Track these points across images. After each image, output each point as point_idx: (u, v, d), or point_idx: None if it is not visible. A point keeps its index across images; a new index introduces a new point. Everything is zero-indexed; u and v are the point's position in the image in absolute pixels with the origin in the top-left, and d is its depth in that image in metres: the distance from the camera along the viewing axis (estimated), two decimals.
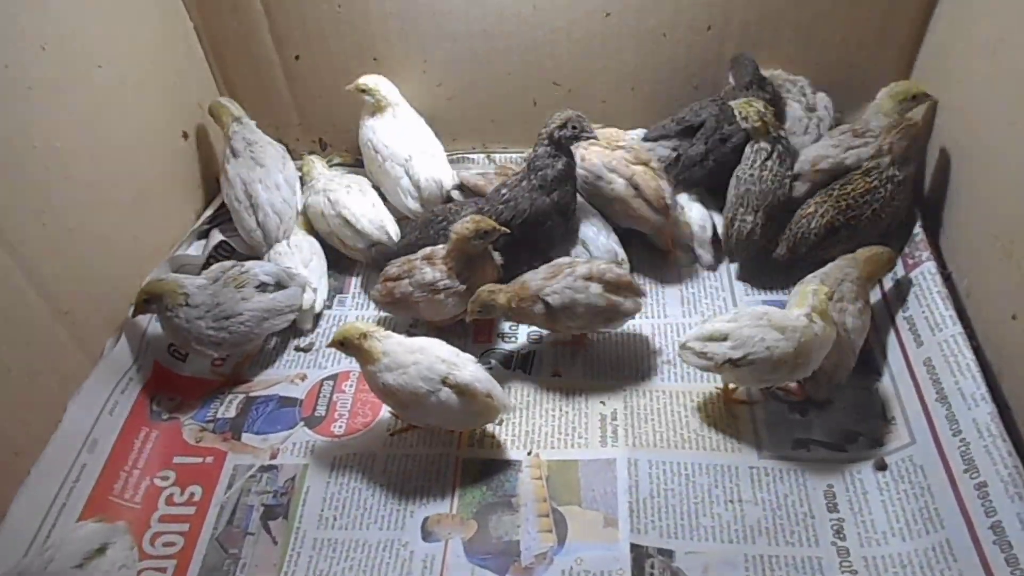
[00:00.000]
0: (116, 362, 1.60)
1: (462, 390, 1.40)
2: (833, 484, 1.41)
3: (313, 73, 2.03)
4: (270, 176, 1.85)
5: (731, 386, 1.54)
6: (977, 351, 1.43)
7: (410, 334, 1.53)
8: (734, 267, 1.84)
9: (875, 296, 1.66)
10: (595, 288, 1.54)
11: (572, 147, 1.72)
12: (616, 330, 1.68)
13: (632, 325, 1.72)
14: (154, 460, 1.54)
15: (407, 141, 1.93)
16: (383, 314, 1.80)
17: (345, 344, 1.42)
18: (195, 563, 1.38)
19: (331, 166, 2.06)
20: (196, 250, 1.86)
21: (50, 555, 1.24)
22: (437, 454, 1.51)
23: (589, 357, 1.68)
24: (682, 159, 1.86)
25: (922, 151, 1.76)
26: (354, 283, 1.92)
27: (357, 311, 1.85)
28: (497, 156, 2.10)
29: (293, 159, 2.00)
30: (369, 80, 1.92)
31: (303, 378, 1.68)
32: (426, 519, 1.41)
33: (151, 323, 1.69)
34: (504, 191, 1.73)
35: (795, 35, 1.87)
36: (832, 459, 1.44)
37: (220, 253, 1.85)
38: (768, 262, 1.76)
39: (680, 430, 1.51)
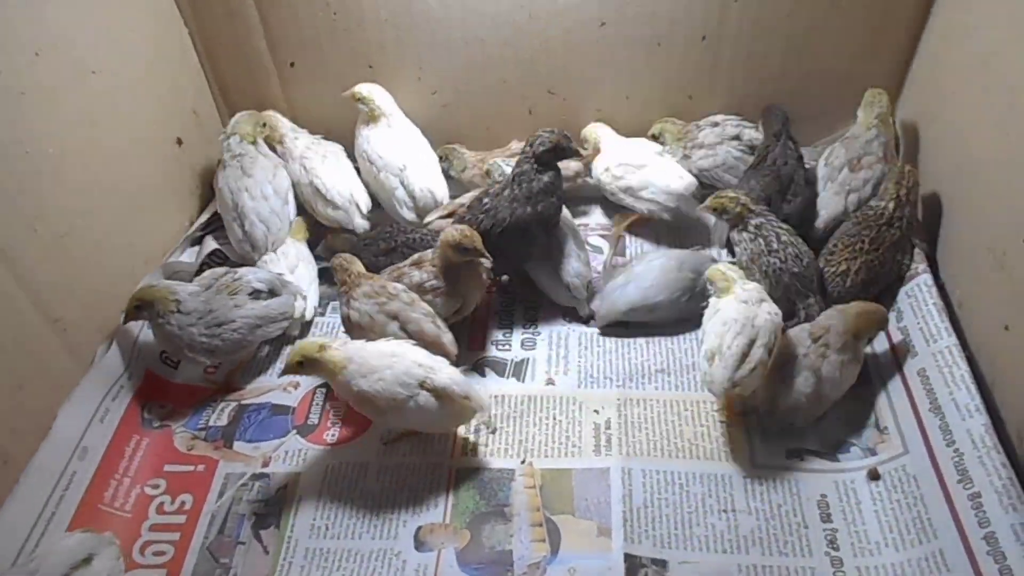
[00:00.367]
0: (107, 369, 1.59)
1: (440, 394, 1.40)
2: (826, 494, 1.40)
3: (308, 80, 2.03)
4: (257, 186, 1.84)
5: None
6: (971, 362, 1.43)
7: None
8: None
9: None
10: (393, 327, 1.55)
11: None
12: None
13: (626, 334, 1.73)
14: (145, 468, 1.53)
15: (402, 151, 1.93)
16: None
17: (305, 363, 1.38)
18: (185, 572, 1.37)
19: None
20: (189, 257, 1.85)
21: (35, 565, 1.23)
22: (430, 463, 1.50)
23: (583, 365, 1.67)
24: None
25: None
26: None
27: None
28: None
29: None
30: (363, 89, 1.93)
31: (296, 386, 1.68)
32: (419, 528, 1.41)
33: (143, 330, 1.68)
34: (485, 200, 1.71)
35: (788, 46, 1.88)
36: (825, 469, 1.44)
37: (213, 260, 1.84)
38: None
39: (674, 439, 1.51)
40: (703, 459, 1.47)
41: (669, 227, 1.95)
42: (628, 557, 1.33)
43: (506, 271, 1.79)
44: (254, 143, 1.89)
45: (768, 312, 1.45)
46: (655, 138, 1.98)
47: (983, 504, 1.24)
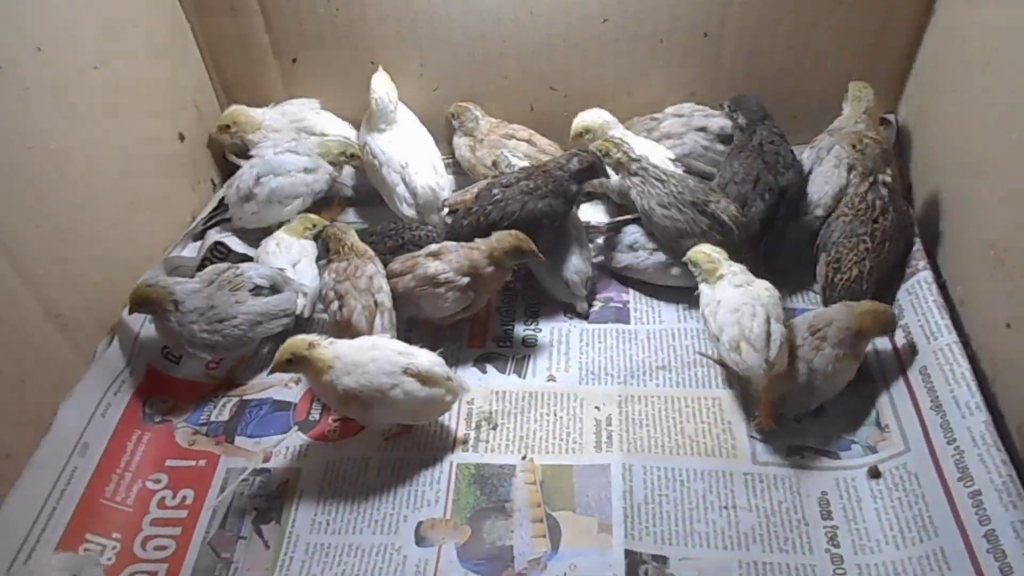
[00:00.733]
0: (109, 364, 1.59)
1: (424, 377, 1.41)
2: (827, 491, 1.40)
3: (310, 75, 2.03)
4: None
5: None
6: (971, 359, 1.43)
7: (407, 339, 1.53)
8: None
9: None
10: (334, 306, 1.59)
11: None
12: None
13: (628, 330, 1.73)
14: (146, 463, 1.53)
15: (405, 148, 1.93)
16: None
17: (294, 360, 1.38)
18: (187, 567, 1.38)
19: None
20: (191, 252, 1.86)
21: None
22: (431, 458, 1.51)
23: (584, 362, 1.67)
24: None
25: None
26: None
27: None
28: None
29: None
30: (372, 82, 1.92)
31: (297, 382, 1.68)
32: (420, 524, 1.41)
33: (144, 325, 1.68)
34: (495, 191, 1.72)
35: (790, 43, 1.87)
36: (826, 466, 1.44)
37: (216, 255, 1.84)
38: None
39: (675, 436, 1.51)
40: (704, 456, 1.47)
41: None
42: (629, 553, 1.33)
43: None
44: None
45: (766, 289, 1.49)
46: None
47: (983, 502, 1.24)
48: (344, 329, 1.56)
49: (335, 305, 1.59)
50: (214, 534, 1.42)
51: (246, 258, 1.83)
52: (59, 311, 1.48)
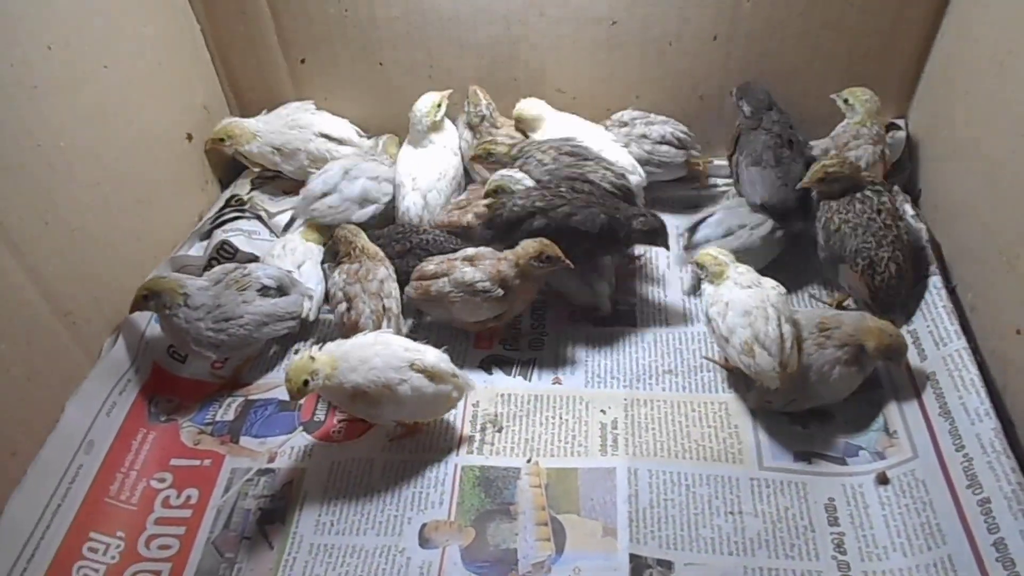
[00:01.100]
0: (114, 363, 1.59)
1: (431, 373, 1.42)
2: (834, 497, 1.39)
3: (319, 76, 2.03)
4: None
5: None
6: (981, 366, 1.42)
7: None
8: None
9: None
10: (342, 307, 1.59)
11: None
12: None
13: (634, 334, 1.72)
14: (151, 462, 1.53)
15: (416, 165, 1.91)
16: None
17: (309, 380, 1.34)
18: (190, 566, 1.37)
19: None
20: (198, 251, 1.86)
21: None
22: (436, 460, 1.50)
23: (590, 365, 1.67)
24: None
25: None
26: None
27: None
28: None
29: None
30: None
31: None
32: (424, 526, 1.40)
33: (150, 324, 1.68)
34: (563, 188, 1.66)
35: (800, 45, 1.86)
36: (833, 472, 1.43)
37: (222, 255, 1.84)
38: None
39: (681, 440, 1.50)
40: (710, 460, 1.46)
41: None
42: (633, 557, 1.32)
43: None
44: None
45: (774, 288, 1.48)
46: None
47: (992, 510, 1.23)
48: (351, 331, 1.55)
49: (343, 307, 1.59)
50: (218, 534, 1.42)
51: (253, 258, 1.83)
52: (67, 309, 1.48)
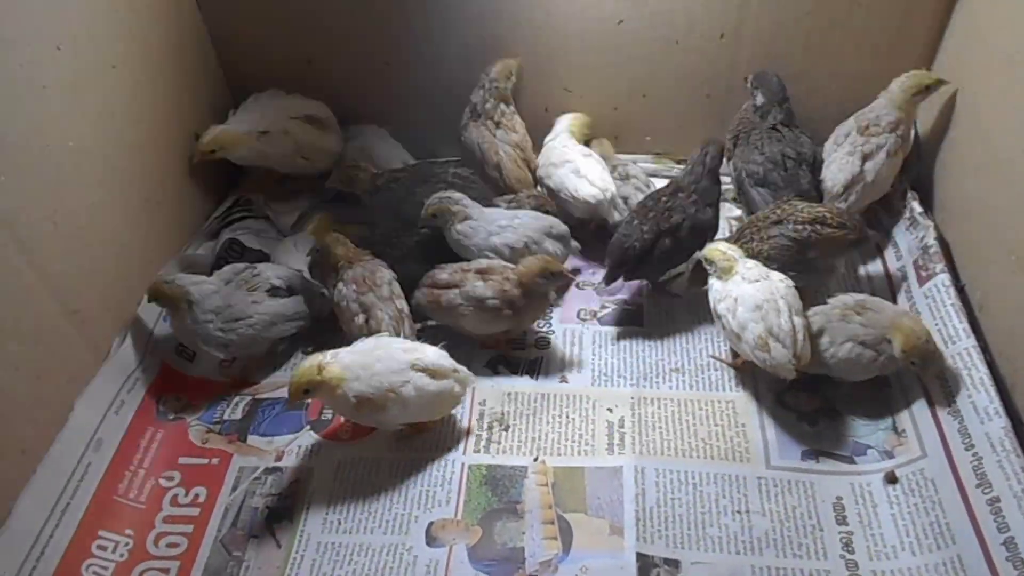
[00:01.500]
0: (123, 361, 1.60)
1: (433, 371, 1.42)
2: (842, 496, 1.39)
3: (325, 78, 2.03)
4: None
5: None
6: (990, 365, 1.41)
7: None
8: None
9: None
10: (360, 319, 1.56)
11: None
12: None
13: (641, 333, 1.72)
14: (159, 460, 1.54)
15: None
16: None
17: (310, 388, 1.35)
18: (198, 565, 1.38)
19: None
20: (205, 250, 1.86)
21: None
22: (442, 459, 1.50)
23: (597, 364, 1.66)
24: None
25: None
26: None
27: None
28: None
29: None
30: None
31: None
32: (430, 524, 1.41)
33: (158, 323, 1.69)
34: (664, 199, 1.67)
35: (808, 44, 1.86)
36: (842, 471, 1.43)
37: (231, 253, 1.85)
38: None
39: (688, 439, 1.50)
40: (717, 459, 1.46)
41: None
42: (640, 556, 1.32)
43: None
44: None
45: (782, 281, 1.47)
46: None
47: (1002, 509, 1.23)
48: None
49: (360, 319, 1.56)
50: (226, 532, 1.42)
51: (261, 255, 1.83)
52: (75, 308, 1.48)
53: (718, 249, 1.55)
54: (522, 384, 1.64)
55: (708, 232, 1.69)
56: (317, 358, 1.38)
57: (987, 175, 1.56)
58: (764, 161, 1.74)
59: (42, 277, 1.41)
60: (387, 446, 1.53)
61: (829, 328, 1.47)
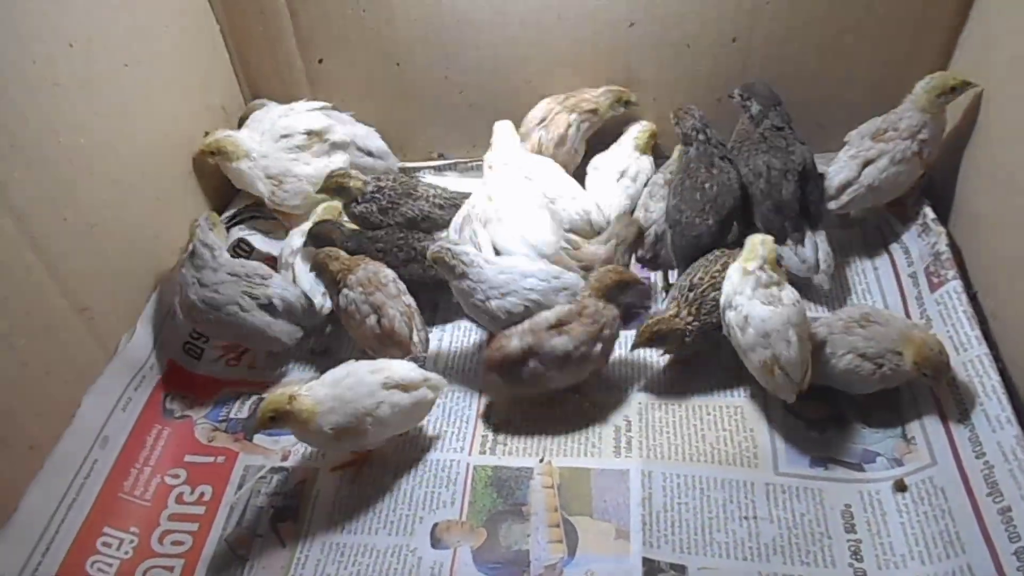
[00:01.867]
0: (130, 358, 1.60)
1: (405, 386, 1.41)
2: (851, 504, 1.38)
3: (336, 77, 2.04)
4: None
5: None
6: (1003, 373, 1.40)
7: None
8: None
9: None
10: (372, 319, 1.56)
11: None
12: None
13: None
14: (165, 458, 1.54)
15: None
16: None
17: (277, 417, 1.31)
18: (203, 562, 1.38)
19: None
20: None
21: None
22: (448, 460, 1.50)
23: (604, 369, 1.65)
24: None
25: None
26: None
27: None
28: None
29: None
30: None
31: None
32: (435, 525, 1.40)
33: (166, 320, 1.69)
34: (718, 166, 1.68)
35: (820, 50, 1.85)
36: (850, 478, 1.41)
37: (239, 252, 1.85)
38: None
39: (696, 443, 1.49)
40: (725, 464, 1.45)
41: None
42: (647, 561, 1.31)
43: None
44: None
45: (794, 304, 1.42)
46: None
47: (1013, 518, 1.21)
48: (386, 339, 1.55)
49: (372, 319, 1.55)
50: (231, 531, 1.43)
51: (270, 256, 1.83)
52: (84, 304, 1.49)
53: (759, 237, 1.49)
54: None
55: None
56: (291, 388, 1.35)
57: (1002, 182, 1.54)
58: (747, 173, 1.72)
59: (52, 274, 1.42)
60: (392, 447, 1.53)
61: (831, 340, 1.45)
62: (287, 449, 1.55)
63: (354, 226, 1.84)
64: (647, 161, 1.96)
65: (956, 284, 1.56)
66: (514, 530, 1.38)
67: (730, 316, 1.47)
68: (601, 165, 1.95)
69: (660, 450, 1.48)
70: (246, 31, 1.97)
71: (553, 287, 1.58)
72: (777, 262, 1.48)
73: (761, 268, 1.43)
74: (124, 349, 1.59)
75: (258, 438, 1.56)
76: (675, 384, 1.60)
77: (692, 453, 1.47)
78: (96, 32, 1.54)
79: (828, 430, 1.48)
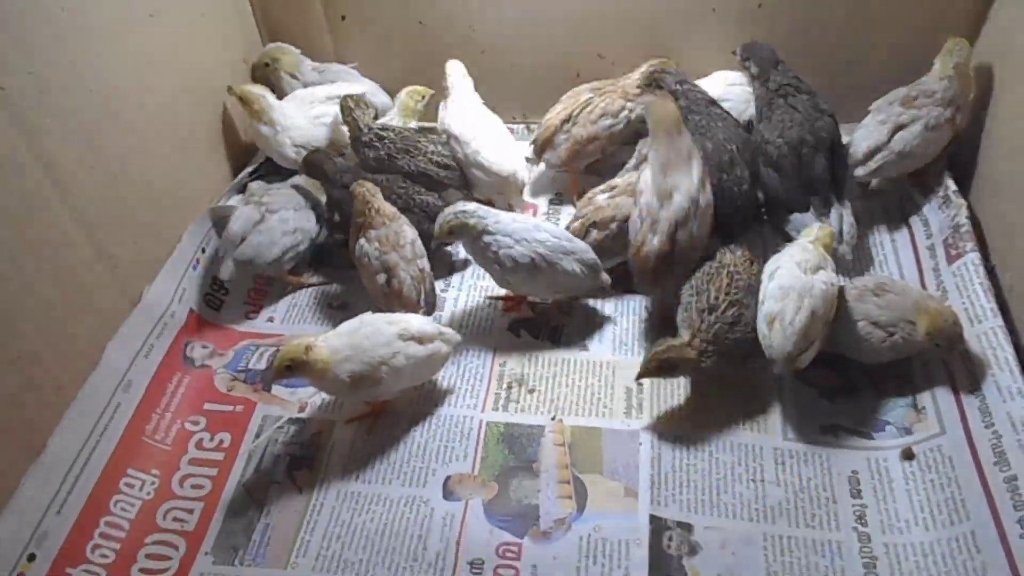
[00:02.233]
0: (153, 307, 1.63)
1: (421, 338, 1.43)
2: (858, 471, 1.39)
3: (359, 34, 2.03)
4: None
5: None
6: (1017, 346, 1.40)
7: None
8: None
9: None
10: (381, 278, 1.58)
11: None
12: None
13: None
14: (186, 405, 1.58)
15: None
16: None
17: (293, 366, 1.34)
18: (222, 506, 1.42)
19: None
20: (236, 203, 1.88)
21: None
22: (462, 415, 1.53)
23: (618, 332, 1.67)
24: None
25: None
26: None
27: None
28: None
29: None
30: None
31: None
32: (448, 478, 1.43)
33: (188, 270, 1.72)
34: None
35: (849, 15, 1.82)
36: (858, 446, 1.43)
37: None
38: None
39: (706, 407, 1.50)
40: (734, 428, 1.47)
41: None
42: (654, 519, 1.34)
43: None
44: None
45: (824, 282, 1.41)
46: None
47: (1019, 487, 1.22)
48: (394, 300, 1.57)
49: (382, 278, 1.58)
50: (249, 477, 1.46)
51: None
52: (109, 252, 1.52)
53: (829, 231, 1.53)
54: (542, 347, 1.65)
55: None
56: (307, 339, 1.38)
57: (1022, 158, 1.53)
58: (782, 145, 1.68)
59: (79, 221, 1.44)
60: (408, 401, 1.55)
61: (846, 310, 1.45)
62: (304, 401, 1.58)
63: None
64: None
65: (974, 256, 1.55)
66: (525, 485, 1.41)
67: (768, 269, 1.48)
68: None
69: (671, 413, 1.50)
70: None
71: (563, 247, 1.57)
72: (833, 255, 1.51)
73: (812, 244, 1.47)
74: (147, 297, 1.62)
75: (276, 389, 1.60)
76: None
77: (702, 416, 1.49)
78: None
79: (838, 399, 1.49)
